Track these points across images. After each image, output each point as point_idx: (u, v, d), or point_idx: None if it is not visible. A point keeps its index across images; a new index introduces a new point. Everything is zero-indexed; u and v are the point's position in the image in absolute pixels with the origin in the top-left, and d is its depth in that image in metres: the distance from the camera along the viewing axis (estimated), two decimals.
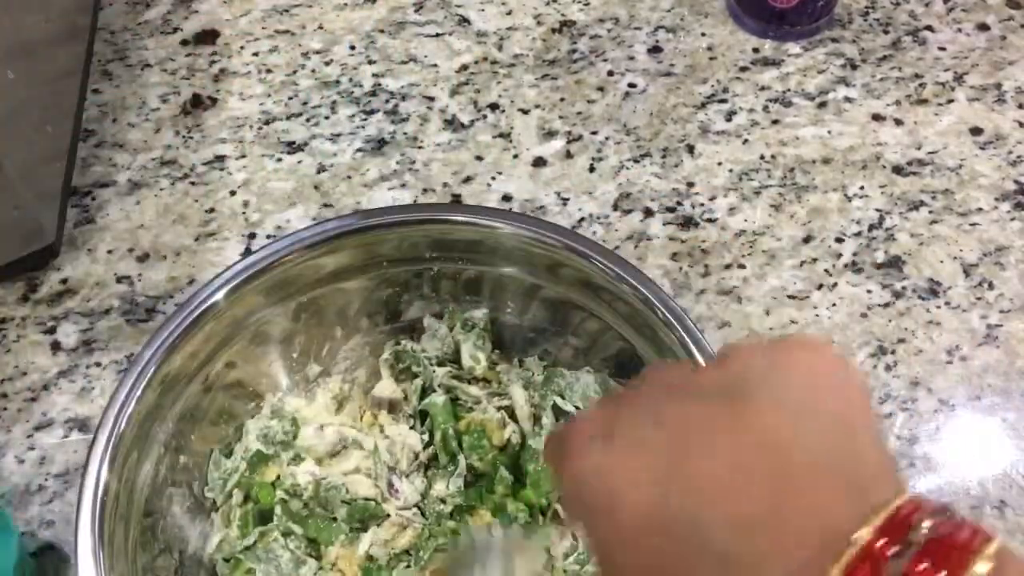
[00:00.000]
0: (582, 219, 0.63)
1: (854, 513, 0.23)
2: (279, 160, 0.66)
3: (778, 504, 0.24)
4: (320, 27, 0.74)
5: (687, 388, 0.28)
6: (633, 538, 0.26)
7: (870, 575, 0.22)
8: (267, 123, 0.68)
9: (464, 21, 0.74)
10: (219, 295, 0.47)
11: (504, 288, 0.53)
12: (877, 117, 0.68)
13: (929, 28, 0.73)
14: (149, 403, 0.45)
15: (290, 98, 0.69)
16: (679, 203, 0.64)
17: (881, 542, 0.23)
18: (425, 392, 0.52)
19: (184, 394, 0.47)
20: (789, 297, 0.59)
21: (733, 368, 0.28)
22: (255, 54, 0.72)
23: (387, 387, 0.53)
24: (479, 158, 0.66)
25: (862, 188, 0.64)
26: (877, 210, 0.63)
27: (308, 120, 0.68)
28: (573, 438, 0.29)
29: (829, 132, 0.67)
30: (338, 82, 0.70)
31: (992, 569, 0.22)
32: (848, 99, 0.69)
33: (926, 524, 0.23)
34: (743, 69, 0.71)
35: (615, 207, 0.63)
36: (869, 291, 0.60)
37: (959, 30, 0.73)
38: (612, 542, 0.27)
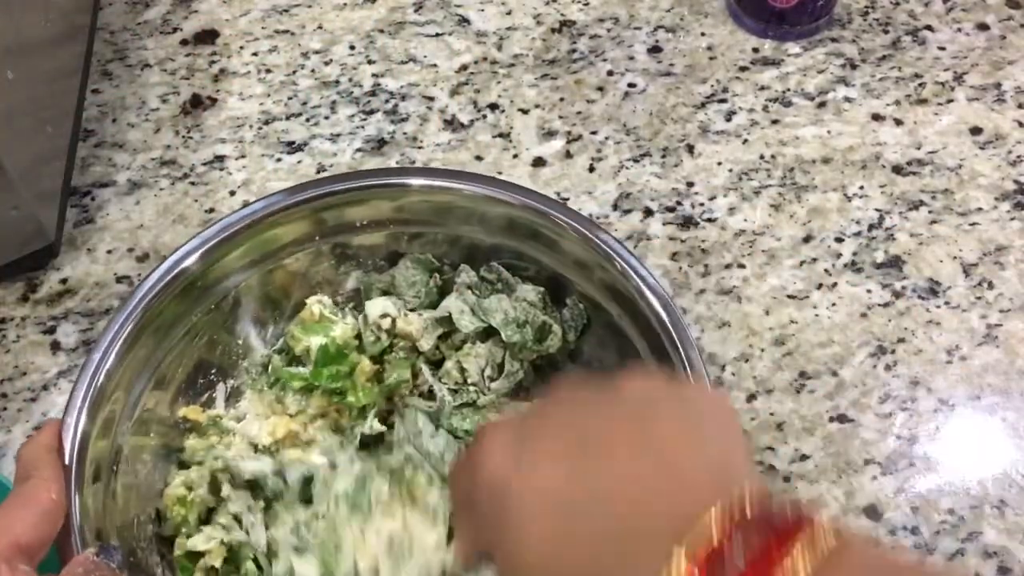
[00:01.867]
0: None
1: (718, 502, 0.28)
2: (279, 160, 0.66)
3: (668, 494, 0.29)
4: (320, 27, 0.74)
5: (591, 406, 0.33)
6: (540, 521, 0.30)
7: (714, 554, 0.27)
8: (267, 123, 0.68)
9: (464, 21, 0.74)
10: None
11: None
12: (877, 117, 0.68)
13: (929, 28, 0.73)
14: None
15: (290, 98, 0.69)
16: (679, 203, 0.64)
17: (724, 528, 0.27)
18: None
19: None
20: (789, 297, 0.59)
21: (632, 392, 0.33)
22: (255, 54, 0.72)
23: None
24: (479, 158, 0.66)
25: (862, 188, 0.64)
26: (877, 210, 0.63)
27: (308, 120, 0.68)
28: (483, 452, 0.32)
29: (829, 132, 0.67)
30: (338, 82, 0.70)
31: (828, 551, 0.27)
32: (848, 99, 0.69)
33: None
34: (743, 69, 0.71)
35: (615, 207, 0.63)
36: (869, 291, 0.60)
37: (959, 30, 0.73)
38: (520, 534, 0.30)
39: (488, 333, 0.52)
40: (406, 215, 0.52)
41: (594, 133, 0.67)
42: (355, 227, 0.52)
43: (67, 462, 0.40)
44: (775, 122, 0.68)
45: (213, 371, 0.51)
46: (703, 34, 0.73)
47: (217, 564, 0.46)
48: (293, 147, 0.66)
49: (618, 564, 0.28)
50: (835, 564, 0.28)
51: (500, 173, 0.65)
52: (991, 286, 0.60)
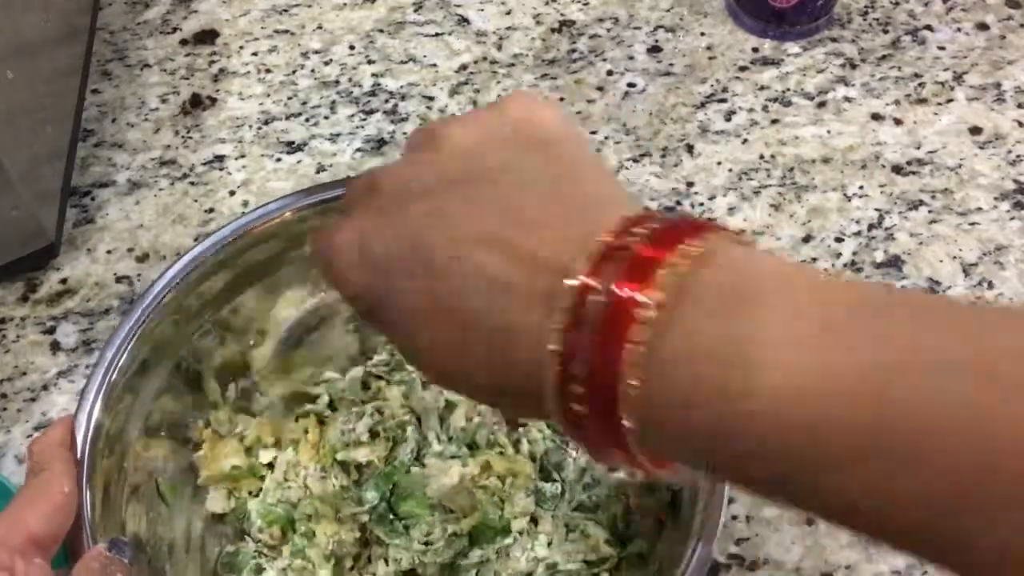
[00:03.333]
0: None
1: (584, 231, 0.26)
2: (278, 160, 0.66)
3: (516, 224, 0.28)
4: (319, 27, 0.74)
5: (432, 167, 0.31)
6: (391, 269, 0.29)
7: (603, 261, 0.25)
8: (266, 123, 0.68)
9: (463, 21, 0.74)
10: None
11: None
12: (876, 117, 0.68)
13: (928, 28, 0.73)
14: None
15: (289, 98, 0.69)
16: (679, 202, 0.64)
17: (615, 241, 0.26)
18: None
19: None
20: None
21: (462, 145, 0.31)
22: (254, 54, 0.72)
23: None
24: None
25: (861, 188, 0.64)
26: (877, 210, 0.63)
27: (307, 120, 0.68)
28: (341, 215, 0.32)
29: (828, 132, 0.67)
30: (337, 82, 0.70)
31: (703, 251, 0.26)
32: (847, 99, 0.69)
33: (654, 224, 0.26)
34: (742, 69, 0.71)
35: None
36: None
37: (958, 29, 0.73)
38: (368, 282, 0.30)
39: None
40: None
41: (594, 133, 0.67)
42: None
43: (79, 457, 0.41)
44: (775, 122, 0.68)
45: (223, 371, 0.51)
46: (703, 34, 0.73)
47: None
48: (293, 147, 0.66)
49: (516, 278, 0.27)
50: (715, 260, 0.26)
51: None
52: (991, 286, 0.60)
